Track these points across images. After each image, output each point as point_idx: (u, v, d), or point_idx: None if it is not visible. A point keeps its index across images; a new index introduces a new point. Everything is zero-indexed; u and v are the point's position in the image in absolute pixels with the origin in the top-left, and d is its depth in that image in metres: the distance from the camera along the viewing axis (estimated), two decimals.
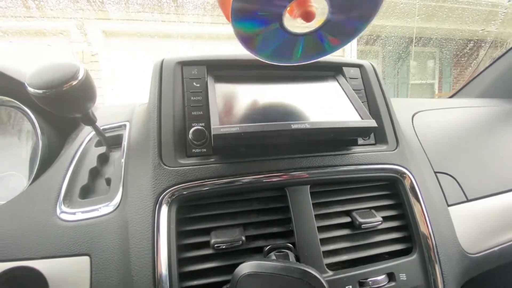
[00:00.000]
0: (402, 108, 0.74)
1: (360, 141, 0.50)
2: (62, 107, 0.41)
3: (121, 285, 0.38)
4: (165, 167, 0.41)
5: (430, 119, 0.73)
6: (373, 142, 0.51)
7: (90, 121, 0.49)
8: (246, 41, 0.33)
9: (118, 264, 0.39)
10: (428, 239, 0.46)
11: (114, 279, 0.39)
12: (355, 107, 0.47)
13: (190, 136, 0.42)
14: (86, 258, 0.40)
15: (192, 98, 0.45)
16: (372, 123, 0.44)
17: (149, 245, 0.38)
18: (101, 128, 0.58)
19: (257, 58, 0.37)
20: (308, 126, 0.42)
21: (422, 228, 0.46)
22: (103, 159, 0.53)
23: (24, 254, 0.39)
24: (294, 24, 0.33)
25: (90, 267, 0.40)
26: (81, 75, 0.41)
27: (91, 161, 0.51)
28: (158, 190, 0.40)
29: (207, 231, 0.40)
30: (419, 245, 0.45)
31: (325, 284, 0.26)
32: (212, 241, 0.39)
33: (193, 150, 0.43)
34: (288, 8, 0.31)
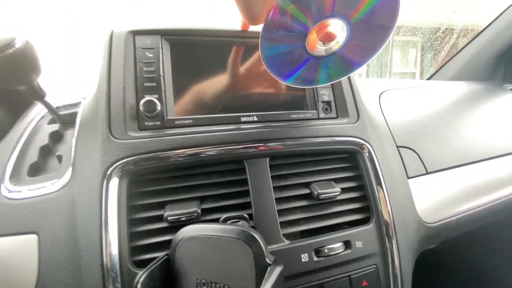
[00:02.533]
0: (370, 87, 0.74)
1: (322, 114, 0.50)
2: (3, 77, 0.38)
3: (70, 262, 0.37)
4: (114, 140, 0.39)
5: (396, 98, 0.73)
6: (334, 115, 0.51)
7: (37, 95, 0.46)
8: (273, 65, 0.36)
9: (66, 241, 0.37)
10: (385, 209, 0.47)
11: (63, 256, 0.37)
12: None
13: (141, 107, 0.40)
14: (34, 237, 0.38)
15: (144, 69, 0.43)
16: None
17: (97, 220, 0.36)
18: (57, 106, 0.55)
19: (281, 81, 0.38)
20: (255, 118, 0.46)
21: (380, 198, 0.47)
22: (56, 137, 0.50)
23: None
24: (315, 47, 0.35)
25: (38, 245, 0.38)
26: (18, 44, 0.38)
27: (42, 139, 0.48)
28: (107, 163, 0.38)
29: (161, 205, 0.39)
30: (376, 214, 0.46)
31: (262, 244, 0.26)
32: (166, 214, 0.38)
33: (146, 123, 0.42)
34: (311, 31, 0.32)
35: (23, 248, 0.38)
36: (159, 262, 0.27)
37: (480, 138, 0.70)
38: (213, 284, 0.25)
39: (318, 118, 0.49)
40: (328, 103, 0.50)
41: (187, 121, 0.43)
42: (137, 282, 0.25)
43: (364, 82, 0.82)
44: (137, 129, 0.41)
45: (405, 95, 0.76)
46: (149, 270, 0.26)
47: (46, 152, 0.48)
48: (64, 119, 0.53)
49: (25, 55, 0.39)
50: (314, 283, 0.40)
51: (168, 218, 0.37)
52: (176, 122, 0.43)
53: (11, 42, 0.38)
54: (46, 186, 0.41)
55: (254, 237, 0.26)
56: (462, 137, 0.68)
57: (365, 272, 0.43)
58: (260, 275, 0.23)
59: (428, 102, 0.76)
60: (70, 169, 0.41)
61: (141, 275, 0.26)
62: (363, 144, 0.49)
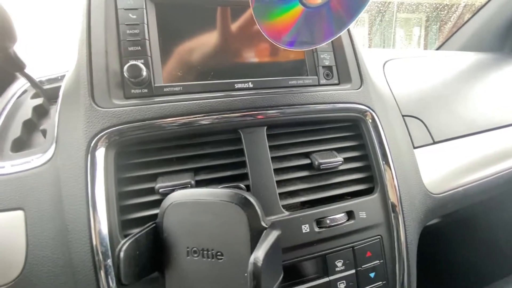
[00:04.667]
0: (373, 56, 0.70)
1: (323, 80, 0.46)
2: None
3: (58, 237, 0.35)
4: (98, 108, 0.36)
5: (401, 67, 0.69)
6: (336, 81, 0.47)
7: (15, 65, 0.42)
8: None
9: (53, 217, 0.35)
10: (390, 179, 0.44)
11: (51, 231, 0.35)
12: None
13: (125, 73, 0.37)
14: (20, 213, 0.36)
15: (127, 31, 0.39)
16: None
17: (83, 193, 0.34)
18: (39, 80, 0.52)
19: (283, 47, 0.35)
20: (251, 85, 0.42)
21: (385, 168, 0.44)
22: (40, 111, 0.47)
23: None
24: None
25: (24, 221, 0.36)
26: None
27: (25, 113, 0.45)
28: (91, 133, 0.35)
29: (153, 178, 0.37)
30: (381, 184, 0.44)
31: (256, 206, 0.23)
32: (157, 186, 0.35)
33: (132, 91, 0.38)
34: None
35: (10, 225, 0.36)
36: (145, 230, 0.25)
37: (488, 108, 0.66)
38: (205, 251, 0.23)
39: (319, 85, 0.46)
40: (330, 68, 0.47)
41: (176, 88, 0.40)
42: (120, 250, 0.23)
43: (367, 51, 0.77)
44: (123, 97, 0.38)
45: (410, 64, 0.72)
46: (134, 237, 0.24)
47: (30, 127, 0.45)
48: (49, 94, 0.49)
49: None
50: (316, 255, 0.39)
51: (160, 190, 0.35)
52: (164, 90, 0.39)
53: None
54: (30, 161, 0.38)
55: (248, 199, 0.23)
56: (470, 107, 0.65)
57: (369, 243, 0.41)
58: (255, 240, 0.21)
59: (434, 72, 0.72)
60: (53, 144, 0.39)
61: (124, 243, 0.23)
62: (366, 111, 0.45)
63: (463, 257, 0.99)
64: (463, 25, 1.20)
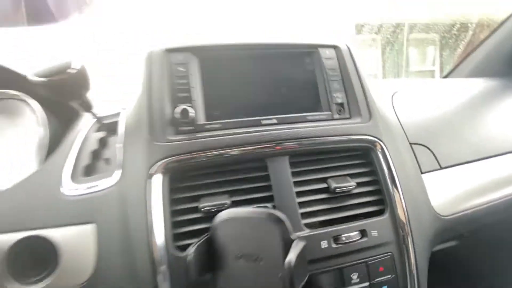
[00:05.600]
0: (383, 88, 0.77)
1: (336, 115, 0.54)
2: (62, 93, 0.46)
3: (124, 246, 0.43)
4: (155, 143, 0.46)
5: (409, 97, 0.76)
6: (348, 116, 0.55)
7: (87, 107, 0.54)
8: None
9: (120, 231, 0.44)
10: (399, 201, 0.50)
11: (117, 242, 0.44)
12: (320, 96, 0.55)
13: (176, 115, 0.47)
14: (92, 226, 0.45)
15: (177, 81, 0.50)
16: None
17: (144, 210, 0.43)
18: (98, 116, 0.63)
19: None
20: (275, 121, 0.51)
21: (394, 191, 0.50)
22: (103, 142, 0.58)
23: (35, 224, 0.44)
24: None
25: (96, 233, 0.45)
26: (77, 66, 0.46)
27: (92, 145, 0.56)
28: (150, 163, 0.45)
29: (197, 198, 0.45)
30: (390, 206, 0.50)
31: (286, 222, 0.31)
32: (200, 205, 0.44)
33: (181, 128, 0.48)
34: None
35: (82, 237, 0.45)
36: (203, 239, 0.33)
37: (495, 134, 0.71)
38: (248, 257, 0.30)
39: (333, 119, 0.54)
40: (341, 105, 0.55)
41: (215, 125, 0.49)
42: (188, 254, 0.31)
43: (377, 83, 0.85)
44: (173, 133, 0.48)
45: (417, 94, 0.79)
46: (197, 244, 0.32)
47: (96, 156, 0.55)
48: (106, 128, 0.61)
49: (80, 75, 0.47)
50: (334, 268, 0.44)
51: (202, 209, 0.43)
52: (206, 127, 0.49)
53: (70, 64, 0.46)
54: (99, 184, 0.48)
55: (279, 217, 0.31)
56: (477, 133, 0.69)
57: (381, 258, 0.47)
58: (286, 248, 0.28)
59: (441, 100, 0.78)
60: (119, 169, 0.49)
61: (193, 246, 0.31)
62: (375, 142, 0.52)
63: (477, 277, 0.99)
64: (472, 51, 1.25)
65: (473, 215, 0.59)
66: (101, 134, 0.58)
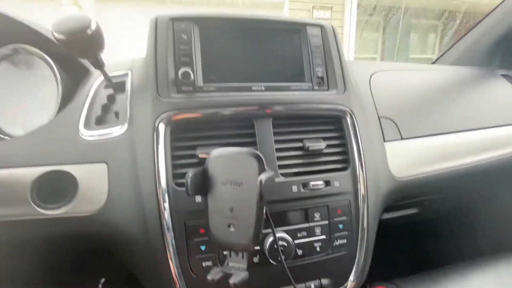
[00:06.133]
0: (363, 68, 0.86)
1: (316, 86, 0.63)
2: (80, 50, 0.53)
3: (132, 182, 0.53)
4: (161, 98, 0.55)
5: (386, 78, 0.85)
6: (326, 88, 0.64)
7: (99, 65, 0.61)
8: None
9: (129, 169, 0.54)
10: (360, 162, 0.61)
11: (127, 178, 0.54)
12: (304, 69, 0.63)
13: (179, 77, 0.55)
14: (104, 165, 0.55)
15: (181, 47, 0.57)
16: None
17: (151, 153, 0.53)
18: (108, 75, 0.71)
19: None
20: (263, 88, 0.60)
21: (357, 153, 0.61)
22: (111, 99, 0.66)
23: (57, 160, 0.54)
24: None
25: (107, 171, 0.55)
26: (94, 25, 0.53)
27: (102, 99, 0.64)
28: (156, 115, 0.54)
29: (194, 147, 0.55)
30: (353, 165, 0.61)
31: (263, 158, 0.41)
32: (197, 152, 0.53)
33: (182, 88, 0.56)
34: None
35: (97, 172, 0.55)
36: (200, 169, 0.43)
37: (455, 114, 0.81)
38: (232, 182, 0.40)
39: (313, 90, 0.63)
40: (321, 78, 0.64)
41: (211, 88, 0.58)
42: (188, 176, 0.41)
43: (359, 63, 0.93)
44: (176, 92, 0.56)
45: (394, 76, 0.88)
46: (194, 172, 0.42)
47: (106, 109, 0.64)
48: (115, 86, 0.68)
49: (97, 34, 0.54)
50: (301, 207, 0.56)
51: (199, 155, 0.53)
52: (203, 88, 0.57)
53: (90, 24, 0.52)
54: (111, 132, 0.57)
55: (258, 154, 0.41)
56: (439, 112, 0.80)
57: (340, 204, 0.58)
58: (260, 184, 0.38)
59: (415, 82, 0.87)
60: (127, 121, 0.57)
61: (189, 173, 0.41)
62: (346, 111, 0.62)
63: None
64: (458, 40, 1.33)
65: (424, 179, 0.71)
66: (110, 91, 0.66)
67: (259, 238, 0.41)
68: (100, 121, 0.61)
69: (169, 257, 0.51)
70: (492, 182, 0.98)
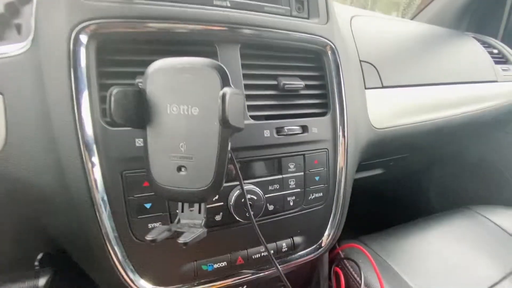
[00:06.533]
0: (341, 10, 0.75)
1: (294, 12, 0.51)
2: None
3: (39, 119, 0.38)
4: (82, 0, 0.38)
5: (367, 22, 0.76)
6: (306, 16, 0.52)
7: None
8: None
9: (34, 102, 0.38)
10: (341, 106, 0.52)
11: (32, 114, 0.38)
12: None
13: None
14: None
15: None
16: None
17: (66, 80, 0.37)
18: None
19: None
20: (228, 4, 0.45)
21: (338, 96, 0.52)
22: (13, 9, 0.46)
23: None
24: None
25: (3, 105, 0.38)
26: None
27: None
28: (72, 23, 0.37)
29: (132, 75, 0.40)
30: (333, 109, 0.52)
31: (227, 71, 0.29)
32: (136, 81, 0.39)
33: None
34: None
35: None
36: (132, 87, 0.29)
37: (433, 68, 0.77)
38: (183, 107, 0.28)
39: (291, 15, 0.51)
40: (301, 2, 0.52)
41: None
42: (111, 94, 0.27)
43: (336, 5, 0.82)
44: None
45: (375, 22, 0.79)
46: (122, 88, 0.28)
47: (3, 21, 0.44)
48: None
49: None
50: (274, 156, 0.46)
51: (139, 84, 0.39)
52: None
53: None
54: (6, 49, 0.39)
55: (221, 65, 0.29)
56: (420, 64, 0.75)
57: (317, 153, 0.50)
58: (224, 98, 0.27)
59: (396, 32, 0.80)
60: (32, 34, 0.40)
61: (114, 88, 0.28)
62: (329, 44, 0.52)
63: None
64: (431, 1, 1.29)
65: (402, 130, 0.66)
66: None
67: (221, 184, 0.30)
68: None
69: (99, 219, 0.38)
70: (460, 138, 1.00)
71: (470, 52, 0.92)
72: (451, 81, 0.78)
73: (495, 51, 0.97)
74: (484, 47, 0.96)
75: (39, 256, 0.79)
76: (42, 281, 0.70)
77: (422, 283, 0.62)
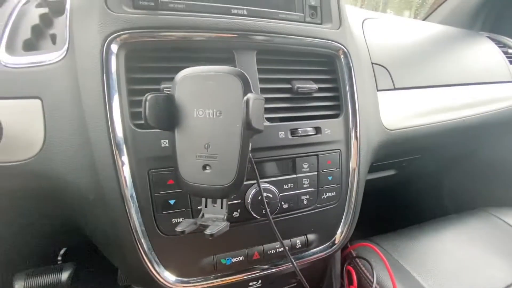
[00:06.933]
0: (354, 13, 0.77)
1: (308, 18, 0.53)
2: None
3: (75, 122, 0.41)
4: (111, 12, 0.41)
5: (379, 25, 0.78)
6: (319, 21, 0.54)
7: None
8: None
9: (71, 105, 0.41)
10: (354, 108, 0.54)
11: (68, 117, 0.41)
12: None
13: None
14: (37, 101, 0.42)
15: None
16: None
17: (99, 85, 0.40)
18: None
19: None
20: (245, 12, 0.47)
21: (351, 99, 0.54)
22: (47, 19, 0.50)
23: None
24: None
25: (42, 109, 0.42)
26: None
27: (33, 19, 0.49)
28: (104, 33, 0.40)
29: (157, 81, 0.43)
30: (346, 111, 0.54)
31: (248, 78, 0.32)
32: (162, 86, 0.42)
33: (140, 2, 0.43)
34: None
35: (28, 111, 0.42)
36: (163, 94, 0.32)
37: (446, 69, 0.77)
38: (208, 111, 0.31)
39: (304, 22, 0.53)
40: (315, 8, 0.54)
41: (179, 6, 0.45)
42: (146, 100, 0.30)
43: (348, 8, 0.84)
44: (132, 7, 0.43)
45: (387, 25, 0.80)
46: (155, 95, 0.31)
47: (38, 32, 0.48)
48: (52, 7, 0.52)
49: None
50: (288, 156, 0.48)
51: (165, 90, 0.42)
52: (169, 5, 0.44)
53: None
54: (44, 58, 0.43)
55: (243, 72, 0.31)
56: (432, 65, 0.75)
57: (330, 153, 0.52)
58: (247, 102, 0.29)
59: (408, 34, 0.81)
60: (67, 43, 0.44)
61: (148, 94, 0.31)
62: (341, 49, 0.54)
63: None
64: (444, 1, 1.28)
65: (413, 133, 0.67)
66: (44, 10, 0.50)
67: (243, 181, 0.33)
68: (31, 47, 0.47)
69: (128, 214, 0.41)
70: (473, 139, 0.99)
71: (485, 52, 0.92)
72: (465, 82, 0.78)
73: (510, 51, 0.96)
74: (499, 47, 0.95)
75: (62, 252, 0.84)
76: (65, 275, 0.74)
77: (435, 284, 0.63)
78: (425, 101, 0.70)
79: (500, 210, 0.86)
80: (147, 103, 0.30)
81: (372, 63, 0.65)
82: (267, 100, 0.49)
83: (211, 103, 0.31)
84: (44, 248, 0.77)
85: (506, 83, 0.86)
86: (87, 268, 0.84)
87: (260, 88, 0.48)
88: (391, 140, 0.64)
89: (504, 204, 0.90)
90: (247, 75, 0.32)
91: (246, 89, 0.31)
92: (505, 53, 0.93)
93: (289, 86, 0.51)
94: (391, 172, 1.04)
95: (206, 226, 0.32)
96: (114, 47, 0.41)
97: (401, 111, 0.66)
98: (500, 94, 0.84)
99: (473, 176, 1.12)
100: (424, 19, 1.30)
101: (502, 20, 1.18)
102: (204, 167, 0.32)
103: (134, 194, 0.41)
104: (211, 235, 0.30)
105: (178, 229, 0.31)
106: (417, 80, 0.70)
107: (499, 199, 1.04)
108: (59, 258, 0.84)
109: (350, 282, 0.66)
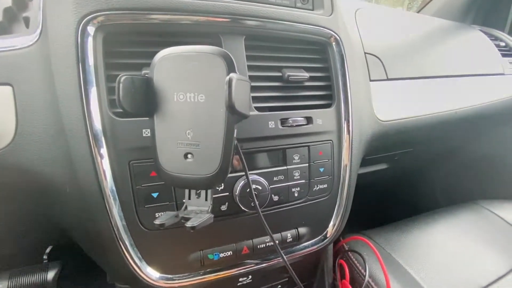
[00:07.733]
0: (346, 2, 0.75)
1: (299, 3, 0.51)
2: None
3: (49, 110, 0.38)
4: None
5: (372, 15, 0.76)
6: (311, 7, 0.52)
7: None
8: None
9: (44, 92, 0.39)
10: (346, 98, 0.52)
11: (41, 105, 0.39)
12: None
13: None
14: (8, 88, 0.39)
15: None
16: None
17: (74, 70, 0.37)
18: None
19: None
20: None
21: (343, 88, 0.52)
22: (20, 2, 0.47)
23: None
24: None
25: (13, 97, 0.39)
26: None
27: (5, 1, 0.45)
28: (80, 15, 0.37)
29: (138, 66, 0.41)
30: (338, 101, 0.52)
31: (232, 58, 0.29)
32: (143, 72, 0.39)
33: None
34: None
35: None
36: (140, 76, 0.30)
37: (438, 60, 0.76)
38: (190, 94, 0.28)
39: (295, 7, 0.51)
40: None
41: None
42: (119, 81, 0.28)
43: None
44: None
45: (380, 15, 0.79)
46: (130, 76, 0.29)
47: (11, 15, 0.45)
48: None
49: None
50: (279, 147, 0.47)
51: (146, 75, 0.39)
52: None
53: None
54: (15, 42, 0.40)
55: (227, 52, 0.29)
56: (424, 56, 0.74)
57: (322, 144, 0.50)
58: (230, 84, 0.27)
59: (401, 24, 0.80)
60: (40, 27, 0.40)
61: (122, 76, 0.28)
62: (333, 35, 0.52)
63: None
64: None
65: (405, 124, 0.66)
66: None
67: (228, 170, 0.30)
68: (2, 30, 0.43)
69: (108, 209, 0.39)
70: (465, 132, 0.99)
71: (477, 44, 0.91)
72: (457, 73, 0.78)
73: (502, 44, 0.96)
74: (491, 40, 0.94)
75: (48, 250, 0.81)
76: (51, 274, 0.71)
77: (427, 276, 0.62)
78: (418, 92, 0.69)
79: (491, 203, 0.86)
80: (120, 85, 0.27)
81: (365, 53, 0.63)
82: (257, 89, 0.47)
83: (192, 86, 0.29)
84: (29, 247, 0.74)
85: (498, 75, 0.86)
86: (74, 267, 0.81)
87: (249, 76, 0.46)
88: (384, 132, 0.63)
89: (495, 197, 0.91)
90: (231, 55, 0.29)
91: (231, 70, 0.28)
92: (497, 46, 0.93)
93: (279, 74, 0.49)
94: (383, 166, 1.03)
95: (188, 219, 0.30)
96: (91, 29, 0.38)
97: (393, 102, 0.64)
98: (492, 87, 0.84)
99: (464, 170, 1.13)
100: (417, 12, 1.29)
101: (493, 14, 1.19)
102: (186, 156, 0.30)
103: (114, 188, 0.39)
104: (193, 227, 0.28)
105: (157, 222, 0.29)
106: (410, 70, 0.69)
107: (491, 192, 1.05)
108: (45, 256, 0.81)
109: (343, 276, 0.65)
